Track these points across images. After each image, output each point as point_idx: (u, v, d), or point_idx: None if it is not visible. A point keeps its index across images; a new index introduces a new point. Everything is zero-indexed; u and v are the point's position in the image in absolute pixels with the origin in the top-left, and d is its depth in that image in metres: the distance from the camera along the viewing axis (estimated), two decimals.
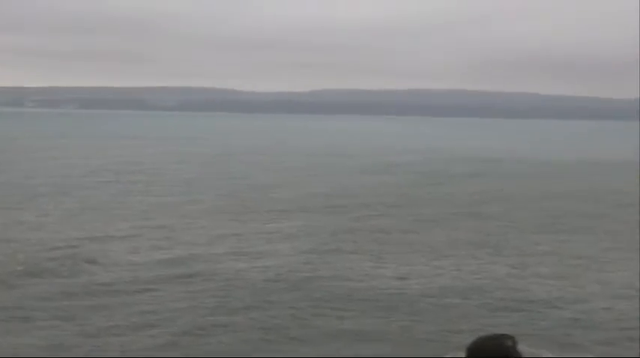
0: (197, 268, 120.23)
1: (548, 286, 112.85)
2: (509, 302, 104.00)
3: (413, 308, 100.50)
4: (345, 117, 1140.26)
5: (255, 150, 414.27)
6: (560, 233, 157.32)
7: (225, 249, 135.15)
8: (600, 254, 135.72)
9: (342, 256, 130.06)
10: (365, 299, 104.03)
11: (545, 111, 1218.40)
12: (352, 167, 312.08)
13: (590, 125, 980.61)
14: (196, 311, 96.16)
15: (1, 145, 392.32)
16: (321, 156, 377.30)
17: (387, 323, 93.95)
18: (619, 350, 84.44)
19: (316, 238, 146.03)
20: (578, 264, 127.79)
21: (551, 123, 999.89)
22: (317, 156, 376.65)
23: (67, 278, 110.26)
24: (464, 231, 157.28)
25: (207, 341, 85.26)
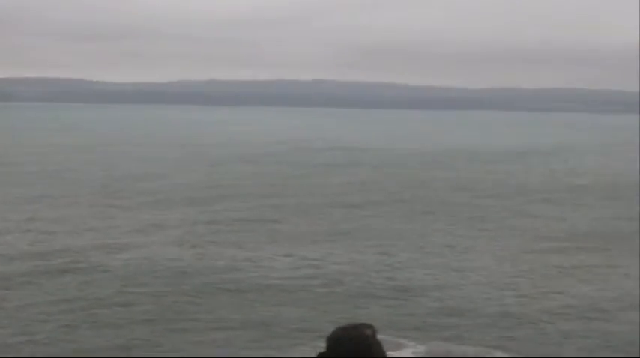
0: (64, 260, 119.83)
1: (409, 273, 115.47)
2: (372, 290, 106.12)
3: (278, 297, 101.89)
4: (207, 108, 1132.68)
5: (124, 140, 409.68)
6: (422, 220, 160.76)
7: (92, 240, 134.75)
8: (460, 241, 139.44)
9: (206, 248, 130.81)
10: (229, 289, 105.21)
11: (411, 102, 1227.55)
12: (216, 157, 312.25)
13: (449, 115, 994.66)
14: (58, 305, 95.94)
15: None
16: (184, 146, 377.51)
17: (250, 311, 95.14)
18: (480, 335, 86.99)
19: (180, 230, 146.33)
20: (439, 252, 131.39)
21: (417, 114, 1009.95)
22: (178, 146, 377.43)
23: None
24: (328, 221, 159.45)
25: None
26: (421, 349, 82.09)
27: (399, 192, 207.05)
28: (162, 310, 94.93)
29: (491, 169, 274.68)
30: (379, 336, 77.60)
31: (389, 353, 77.55)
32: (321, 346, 77.73)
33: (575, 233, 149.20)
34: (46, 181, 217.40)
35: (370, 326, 79.50)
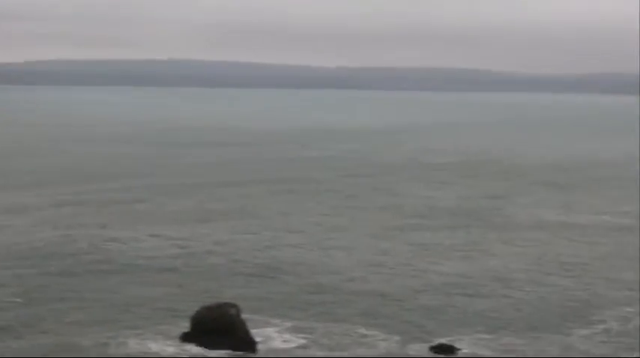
0: None
1: (276, 252, 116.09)
2: (238, 269, 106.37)
3: (143, 277, 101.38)
4: (61, 87, 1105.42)
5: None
6: (289, 199, 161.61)
7: None
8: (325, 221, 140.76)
9: (72, 229, 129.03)
10: (94, 270, 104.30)
11: (278, 81, 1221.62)
12: (78, 138, 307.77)
13: (316, 94, 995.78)
14: None
15: None
16: (38, 126, 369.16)
17: (115, 291, 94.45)
18: (345, 312, 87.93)
19: (45, 211, 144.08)
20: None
21: (283, 93, 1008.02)
22: (31, 127, 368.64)
23: None
24: (194, 201, 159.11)
25: None
26: (287, 326, 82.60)
27: (265, 171, 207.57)
28: (28, 291, 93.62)
29: (354, 148, 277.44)
30: (244, 315, 78.38)
31: (254, 332, 78.25)
32: (186, 326, 78.25)
33: (439, 211, 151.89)
34: None
35: (234, 306, 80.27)
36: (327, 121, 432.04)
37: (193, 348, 75.63)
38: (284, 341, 79.43)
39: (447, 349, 76.20)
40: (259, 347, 76.53)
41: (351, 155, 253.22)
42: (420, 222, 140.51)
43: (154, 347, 76.51)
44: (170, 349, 75.81)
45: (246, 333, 77.29)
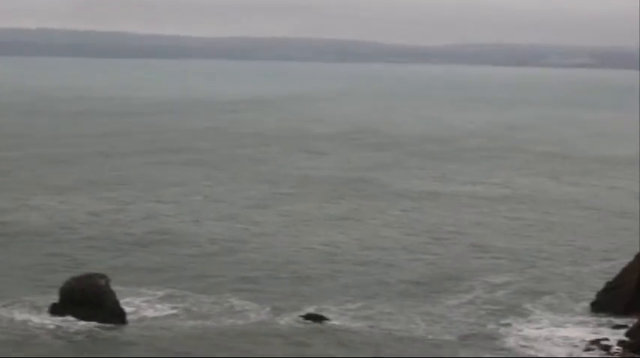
0: None
1: (152, 222, 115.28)
2: (110, 239, 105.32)
3: (9, 247, 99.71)
4: None
5: None
6: (172, 168, 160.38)
7: None
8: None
9: None
10: None
11: (142, 51, 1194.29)
12: None
13: (182, 64, 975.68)
14: None
15: None
16: None
17: None
18: (217, 281, 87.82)
19: None
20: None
21: (150, 62, 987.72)
22: None
23: None
24: (77, 170, 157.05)
25: None
26: (158, 296, 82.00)
27: (145, 141, 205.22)
28: None
29: (235, 118, 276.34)
30: (115, 286, 77.63)
31: (125, 302, 77.56)
32: (55, 297, 76.99)
33: (316, 181, 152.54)
34: None
35: (104, 276, 79.34)
36: (206, 91, 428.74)
37: (61, 320, 74.43)
38: (154, 311, 78.78)
39: (317, 318, 76.61)
40: (129, 317, 75.81)
41: (232, 125, 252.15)
42: (296, 192, 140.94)
43: (20, 317, 75.08)
44: (36, 320, 74.51)
45: (116, 304, 76.41)
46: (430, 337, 72.56)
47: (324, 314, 77.57)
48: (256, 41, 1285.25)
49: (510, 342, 71.50)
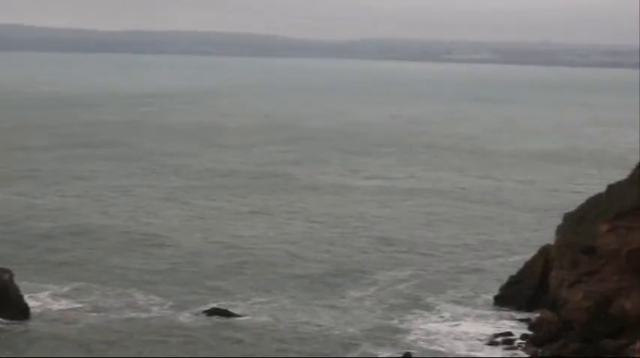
0: None
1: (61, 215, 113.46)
2: (19, 235, 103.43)
3: None
4: None
5: None
6: (89, 162, 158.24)
7: None
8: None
9: None
10: None
11: (40, 44, 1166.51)
12: None
13: (83, 57, 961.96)
14: None
15: None
16: None
17: None
18: (121, 275, 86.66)
19: None
20: None
21: (49, 56, 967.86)
22: None
23: None
24: None
25: None
26: (64, 290, 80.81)
27: (58, 135, 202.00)
28: None
29: (147, 111, 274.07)
30: (19, 281, 76.05)
31: (29, 295, 76.11)
32: None
33: (225, 174, 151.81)
34: None
35: (7, 271, 77.57)
36: (116, 85, 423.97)
37: None
38: (59, 305, 77.55)
39: (221, 313, 75.88)
40: (33, 312, 74.55)
41: (145, 118, 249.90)
42: (206, 185, 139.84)
43: None
44: None
45: (20, 299, 74.88)
46: (336, 332, 72.19)
47: (229, 308, 76.81)
48: (160, 34, 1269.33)
49: (413, 337, 71.32)
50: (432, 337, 71.26)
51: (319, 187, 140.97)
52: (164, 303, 78.70)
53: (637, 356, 61.03)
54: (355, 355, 66.91)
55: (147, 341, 69.57)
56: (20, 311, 73.74)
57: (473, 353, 67.37)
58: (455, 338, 70.91)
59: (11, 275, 75.37)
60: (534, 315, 74.62)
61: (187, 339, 70.27)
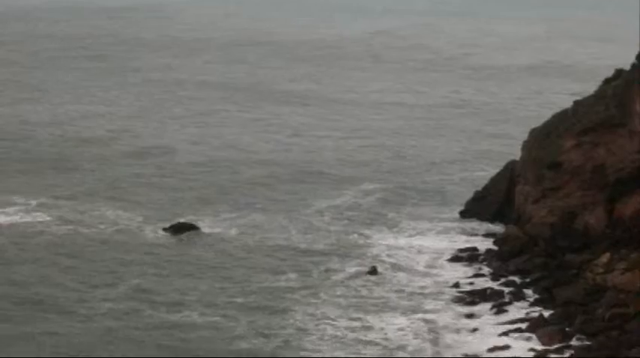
0: None
1: None
2: None
3: None
4: None
5: None
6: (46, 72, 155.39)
7: None
8: None
9: None
10: None
11: None
12: None
13: None
14: None
15: None
16: None
17: None
18: None
19: None
20: None
21: None
22: None
23: None
24: None
25: None
26: (32, 204, 79.59)
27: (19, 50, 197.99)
28: None
29: (114, 23, 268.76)
30: None
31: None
32: None
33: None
34: None
35: None
36: None
37: None
38: (30, 218, 76.40)
39: (189, 227, 74.48)
40: (2, 224, 74.37)
41: (120, 31, 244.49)
42: (192, 95, 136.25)
43: None
44: None
45: None
46: (303, 245, 71.24)
47: (197, 223, 75.50)
48: None
49: (376, 251, 70.15)
50: (396, 251, 70.08)
51: (291, 97, 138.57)
52: (133, 218, 77.36)
53: (600, 271, 60.38)
54: (322, 268, 65.94)
55: (110, 253, 68.76)
56: None
57: (435, 271, 66.51)
58: (418, 252, 69.87)
59: None
60: (499, 230, 73.72)
61: (151, 251, 69.51)
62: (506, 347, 52.07)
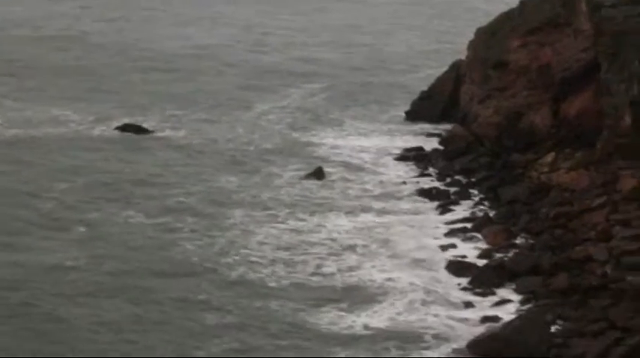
0: None
1: None
2: None
3: None
4: None
5: None
6: None
7: None
8: None
9: None
10: None
11: None
12: None
13: None
14: None
15: None
16: None
17: None
18: None
19: None
20: None
21: None
22: None
23: None
24: None
25: None
26: None
27: None
28: None
29: None
30: None
31: None
32: None
33: None
34: None
35: None
36: None
37: None
38: None
39: (135, 128, 72.43)
40: None
41: None
42: None
43: None
44: None
45: None
46: (248, 146, 69.33)
47: (144, 124, 73.47)
48: None
49: (321, 151, 68.55)
50: (341, 151, 68.54)
51: None
52: (81, 120, 75.11)
53: (545, 170, 59.68)
54: (267, 169, 64.42)
55: (56, 151, 67.11)
56: None
57: (381, 170, 65.24)
58: (364, 152, 68.36)
59: None
60: (445, 129, 72.28)
61: (97, 147, 68.07)
62: (452, 246, 51.22)
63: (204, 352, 39.34)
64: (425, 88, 79.35)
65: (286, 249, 50.60)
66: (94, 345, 39.71)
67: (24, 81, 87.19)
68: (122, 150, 68.30)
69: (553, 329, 40.71)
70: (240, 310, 43.07)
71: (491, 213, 55.72)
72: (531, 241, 51.07)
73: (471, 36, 75.10)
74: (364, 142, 70.95)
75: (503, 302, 44.35)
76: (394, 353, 39.56)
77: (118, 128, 72.94)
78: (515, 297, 44.76)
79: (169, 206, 56.65)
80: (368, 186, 61.49)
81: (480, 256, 49.79)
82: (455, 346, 40.13)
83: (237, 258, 49.12)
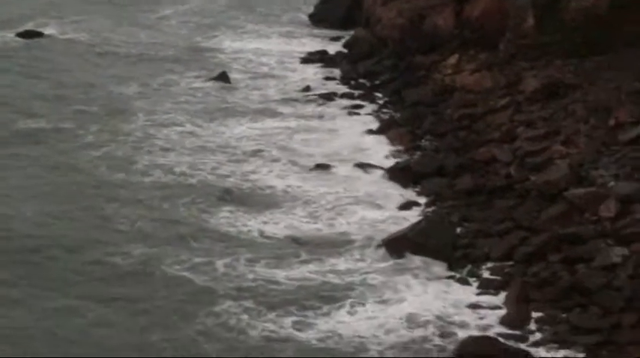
0: None
1: None
2: None
3: None
4: None
5: None
6: None
7: None
8: None
9: None
10: None
11: None
12: None
13: None
14: None
15: None
16: None
17: None
18: None
19: None
20: None
21: None
22: None
23: None
24: None
25: None
26: None
27: None
28: None
29: None
30: None
31: None
32: None
33: None
34: None
35: None
36: None
37: None
38: None
39: (35, 34, 69.11)
40: None
41: None
42: None
43: None
44: None
45: None
46: (149, 51, 66.46)
47: (46, 29, 70.14)
48: None
49: (223, 57, 65.84)
50: (243, 55, 65.96)
51: None
52: None
53: (449, 72, 58.22)
54: (168, 74, 61.65)
55: None
56: None
57: (285, 73, 63.04)
58: (267, 56, 65.94)
59: None
60: (347, 34, 70.03)
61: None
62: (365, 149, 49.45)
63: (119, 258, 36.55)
64: None
65: (189, 153, 47.90)
66: None
67: None
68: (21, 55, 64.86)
69: (458, 230, 39.39)
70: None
71: (397, 116, 54.06)
72: (436, 143, 49.59)
73: None
74: (267, 46, 68.48)
75: (410, 204, 42.81)
76: (304, 256, 37.51)
77: (19, 34, 69.41)
78: (422, 200, 43.24)
79: (70, 111, 53.58)
80: (271, 91, 59.18)
81: (386, 157, 48.31)
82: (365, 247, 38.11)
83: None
